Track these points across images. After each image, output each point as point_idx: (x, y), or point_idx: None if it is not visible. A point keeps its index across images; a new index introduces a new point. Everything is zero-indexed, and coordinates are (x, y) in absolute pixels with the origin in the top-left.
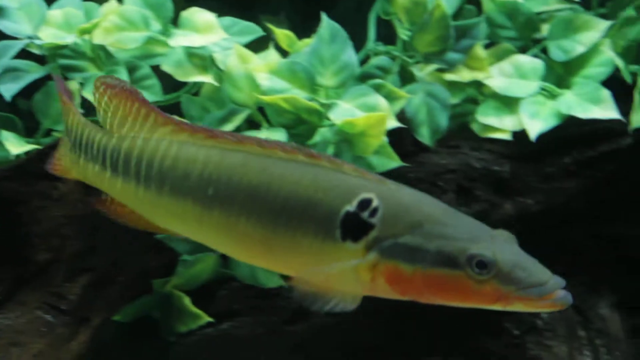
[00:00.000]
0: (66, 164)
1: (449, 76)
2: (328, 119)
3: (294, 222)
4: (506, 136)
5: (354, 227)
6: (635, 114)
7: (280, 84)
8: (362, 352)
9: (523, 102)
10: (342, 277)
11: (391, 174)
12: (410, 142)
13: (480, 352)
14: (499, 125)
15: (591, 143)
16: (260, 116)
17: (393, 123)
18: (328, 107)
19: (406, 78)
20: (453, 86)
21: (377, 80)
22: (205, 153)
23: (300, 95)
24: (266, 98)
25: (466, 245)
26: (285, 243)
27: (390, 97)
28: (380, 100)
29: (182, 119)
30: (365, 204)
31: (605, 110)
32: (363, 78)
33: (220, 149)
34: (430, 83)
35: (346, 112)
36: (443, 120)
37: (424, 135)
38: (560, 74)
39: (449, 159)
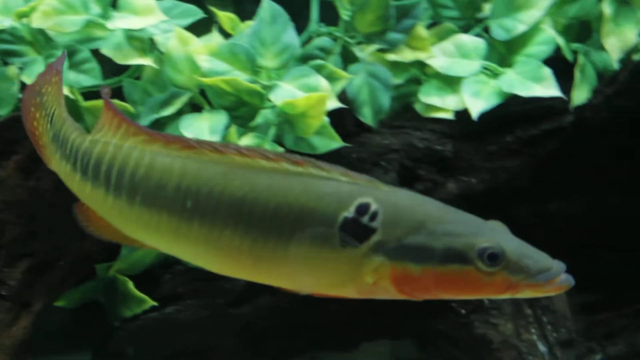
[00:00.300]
0: (49, 153)
1: (391, 56)
2: (270, 100)
3: (287, 232)
4: (449, 115)
5: (354, 232)
6: (576, 91)
7: (220, 66)
8: (309, 334)
9: (465, 81)
10: (342, 282)
11: (334, 155)
12: (352, 123)
13: (428, 332)
14: (442, 104)
15: (533, 121)
16: (201, 99)
17: (334, 103)
18: (269, 88)
19: (348, 59)
20: (396, 66)
21: (318, 61)
22: (181, 164)
23: (241, 77)
24: (207, 80)
25: (473, 240)
26: (277, 253)
27: (331, 78)
28: (321, 81)
29: (156, 130)
30: (363, 208)
31: (547, 88)
32: (304, 59)
33: (197, 160)
34: (371, 63)
35: (287, 93)
36: (385, 101)
37: (367, 116)
38: (502, 53)
39: (392, 139)
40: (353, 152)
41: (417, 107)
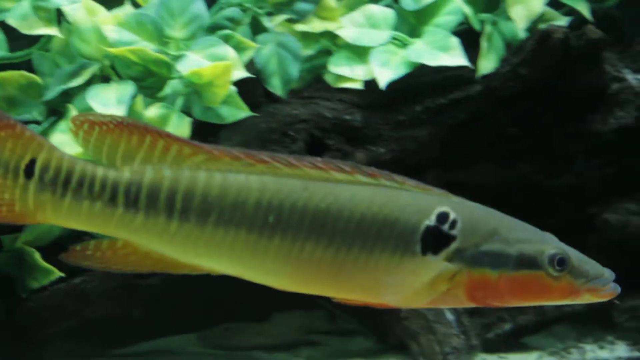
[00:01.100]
0: (25, 207)
1: (300, 27)
2: (178, 70)
3: (370, 242)
4: (358, 86)
5: (435, 240)
6: (482, 60)
7: (127, 36)
8: (221, 305)
9: (373, 51)
10: (418, 291)
11: (242, 125)
12: (261, 93)
13: (338, 303)
14: (351, 75)
15: (442, 91)
16: (110, 70)
17: (242, 73)
18: (177, 58)
19: (258, 29)
20: (306, 37)
21: (226, 31)
22: (258, 180)
23: (148, 47)
24: (113, 50)
25: (542, 246)
26: (359, 263)
27: (239, 48)
28: (228, 51)
29: (216, 145)
30: (443, 217)
31: (454, 57)
32: (213, 29)
33: (273, 174)
34: (280, 33)
35: (194, 63)
36: (294, 71)
37: (276, 86)
38: (412, 24)
39: (301, 109)
40: (262, 122)
41: (327, 78)
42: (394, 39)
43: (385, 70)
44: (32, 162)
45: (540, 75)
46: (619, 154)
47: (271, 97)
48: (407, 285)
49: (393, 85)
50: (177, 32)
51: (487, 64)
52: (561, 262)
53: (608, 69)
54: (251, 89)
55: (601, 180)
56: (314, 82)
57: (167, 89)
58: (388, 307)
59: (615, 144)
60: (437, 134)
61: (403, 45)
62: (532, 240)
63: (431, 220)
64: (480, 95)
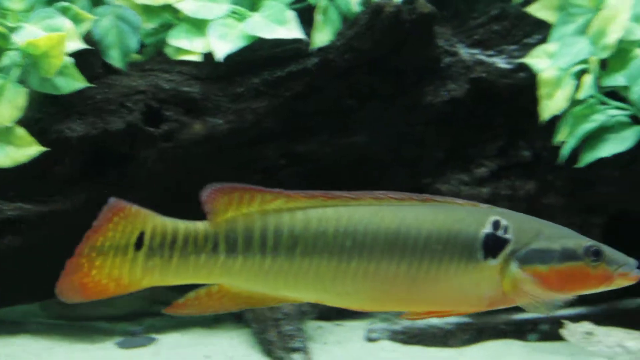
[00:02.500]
0: (133, 277)
1: (141, 0)
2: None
3: (438, 254)
4: (196, 58)
5: (493, 245)
6: (316, 33)
7: None
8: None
9: (212, 24)
10: (482, 295)
11: (79, 96)
12: (100, 65)
13: None
14: (190, 47)
15: (280, 64)
16: None
17: (78, 44)
18: (14, 30)
19: (98, 2)
20: (149, 11)
21: (63, 3)
22: (333, 211)
23: None
24: None
25: (579, 240)
26: (430, 276)
27: (76, 20)
28: (65, 22)
29: (293, 190)
30: (496, 224)
31: (290, 30)
32: (52, 2)
33: (344, 206)
34: (119, 6)
35: (30, 34)
36: (133, 43)
37: (114, 58)
38: None
39: (139, 81)
40: (98, 94)
41: (167, 51)
42: (233, 12)
43: (222, 42)
44: (141, 235)
45: (374, 48)
46: (451, 125)
47: (111, 70)
48: (474, 290)
49: (233, 58)
50: (15, 4)
51: (322, 37)
52: (596, 253)
53: (442, 43)
54: (91, 61)
55: (435, 151)
56: (156, 55)
57: (5, 60)
58: (454, 314)
59: (447, 115)
60: (275, 106)
61: (242, 18)
62: (569, 235)
63: (487, 228)
64: (317, 68)
